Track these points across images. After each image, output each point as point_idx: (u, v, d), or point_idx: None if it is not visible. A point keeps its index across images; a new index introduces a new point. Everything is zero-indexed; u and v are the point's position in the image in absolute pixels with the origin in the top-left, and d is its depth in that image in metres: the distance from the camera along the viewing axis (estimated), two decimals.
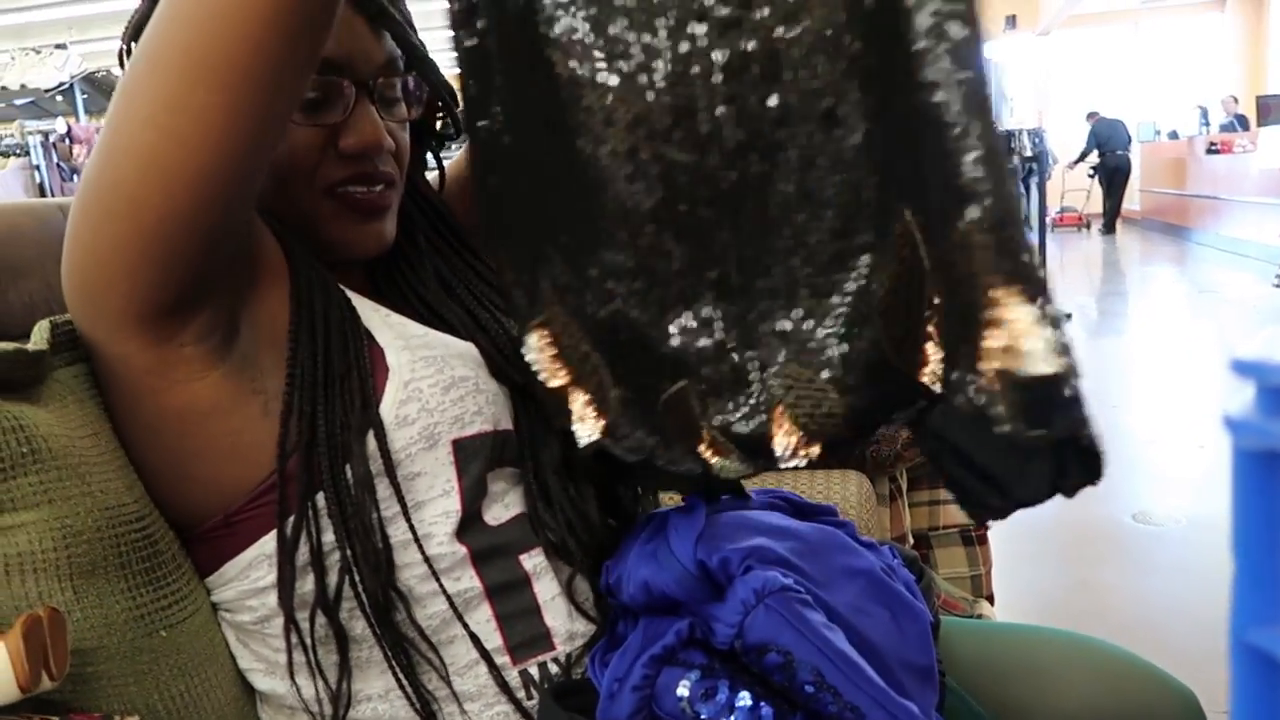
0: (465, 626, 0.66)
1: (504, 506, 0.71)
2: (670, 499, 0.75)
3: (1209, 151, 8.79)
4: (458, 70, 0.58)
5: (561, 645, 0.69)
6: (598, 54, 0.53)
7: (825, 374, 0.54)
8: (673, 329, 0.58)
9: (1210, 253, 8.34)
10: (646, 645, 0.60)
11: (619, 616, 0.68)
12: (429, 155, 0.84)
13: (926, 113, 0.44)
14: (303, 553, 0.64)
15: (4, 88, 6.02)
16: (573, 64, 0.54)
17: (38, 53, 6.04)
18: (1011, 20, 10.27)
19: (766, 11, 0.49)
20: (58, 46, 6.17)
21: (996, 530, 1.64)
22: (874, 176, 0.51)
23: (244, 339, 0.64)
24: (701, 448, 0.59)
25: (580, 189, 0.56)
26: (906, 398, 0.52)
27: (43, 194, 5.08)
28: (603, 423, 0.61)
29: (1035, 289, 0.43)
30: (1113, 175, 10.95)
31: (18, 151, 5.22)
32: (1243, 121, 10.14)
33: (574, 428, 0.62)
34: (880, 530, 1.30)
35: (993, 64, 10.81)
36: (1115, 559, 2.44)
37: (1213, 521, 2.56)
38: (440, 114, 0.81)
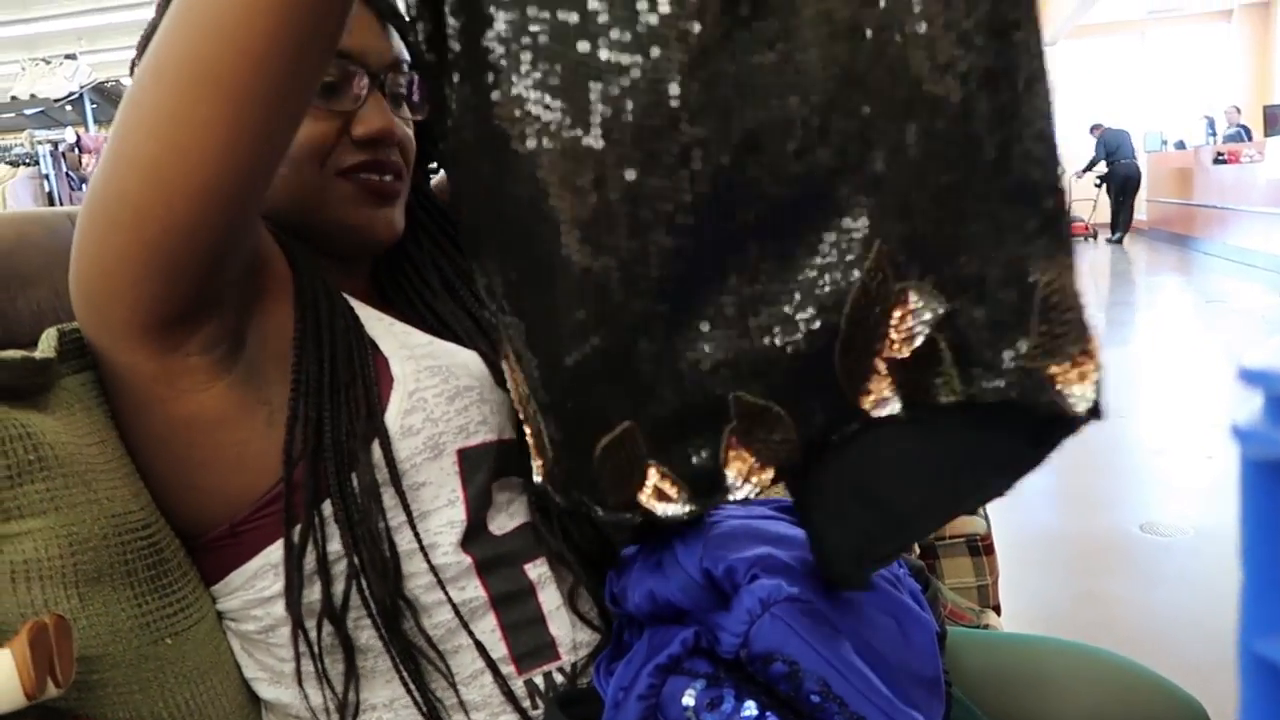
0: (470, 635, 0.66)
1: (508, 516, 0.71)
2: None
3: (1216, 161, 8.78)
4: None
5: (566, 655, 0.69)
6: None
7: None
8: (636, 359, 0.55)
9: (1218, 263, 8.32)
10: (652, 654, 0.59)
11: (624, 626, 0.68)
12: (432, 160, 0.84)
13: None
14: (309, 561, 0.64)
15: (14, 97, 6.04)
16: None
17: (47, 63, 6.07)
18: None
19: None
20: (67, 57, 6.20)
21: (1003, 540, 1.63)
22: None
23: (250, 350, 0.64)
24: (643, 495, 0.57)
25: (518, 229, 0.53)
26: (844, 420, 0.55)
27: (51, 203, 5.10)
28: (542, 469, 0.60)
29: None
30: (1124, 184, 10.93)
31: (27, 161, 5.24)
32: (1246, 131, 10.12)
33: (531, 463, 0.61)
34: None
35: None
36: (1122, 569, 2.43)
37: (1220, 532, 2.55)
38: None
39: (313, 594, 0.64)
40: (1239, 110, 10.70)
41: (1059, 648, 0.80)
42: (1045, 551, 2.51)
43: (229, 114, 0.52)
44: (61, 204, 5.12)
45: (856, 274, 0.52)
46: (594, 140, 0.49)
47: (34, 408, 0.59)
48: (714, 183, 0.50)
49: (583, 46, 0.47)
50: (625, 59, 0.47)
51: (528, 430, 0.60)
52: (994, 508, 1.58)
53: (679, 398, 0.55)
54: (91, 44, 9.09)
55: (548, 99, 0.49)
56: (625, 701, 0.59)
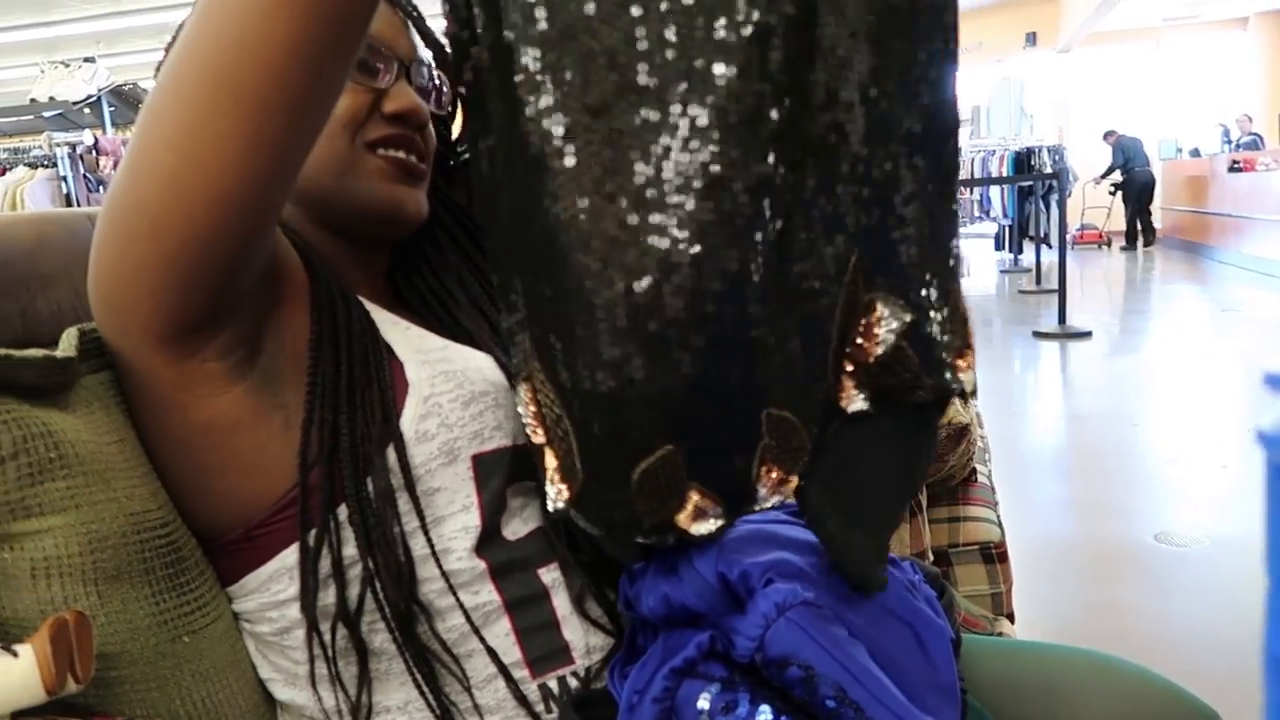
0: (482, 640, 0.66)
1: (522, 521, 0.71)
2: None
3: (1231, 169, 8.73)
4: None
5: (580, 659, 0.69)
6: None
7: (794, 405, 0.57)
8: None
9: (1232, 271, 8.27)
10: (667, 657, 0.59)
11: (638, 629, 0.68)
12: (450, 161, 0.85)
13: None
14: (324, 565, 0.64)
15: (32, 100, 6.09)
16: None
17: (66, 66, 6.12)
18: (1032, 37, 10.26)
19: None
20: (86, 60, 6.24)
21: (1017, 548, 1.63)
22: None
23: (267, 355, 0.64)
24: (682, 515, 0.57)
25: (550, 246, 0.52)
26: (830, 420, 0.57)
27: (69, 205, 5.13)
28: (568, 492, 0.59)
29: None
30: (1141, 191, 10.91)
31: (45, 163, 5.27)
32: (1259, 139, 10.08)
33: (547, 488, 0.60)
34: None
35: (1014, 81, 10.81)
36: (1137, 579, 2.42)
37: (1236, 542, 2.53)
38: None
39: (327, 597, 0.64)
40: (1250, 119, 10.65)
41: (1073, 655, 0.80)
42: (1059, 560, 2.50)
43: (247, 127, 0.51)
44: (79, 206, 5.16)
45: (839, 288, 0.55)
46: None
47: (55, 406, 0.60)
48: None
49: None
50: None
51: (550, 453, 0.59)
52: (1008, 516, 1.58)
53: (720, 420, 0.55)
54: (110, 47, 9.17)
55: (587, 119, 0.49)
56: (640, 705, 0.59)
